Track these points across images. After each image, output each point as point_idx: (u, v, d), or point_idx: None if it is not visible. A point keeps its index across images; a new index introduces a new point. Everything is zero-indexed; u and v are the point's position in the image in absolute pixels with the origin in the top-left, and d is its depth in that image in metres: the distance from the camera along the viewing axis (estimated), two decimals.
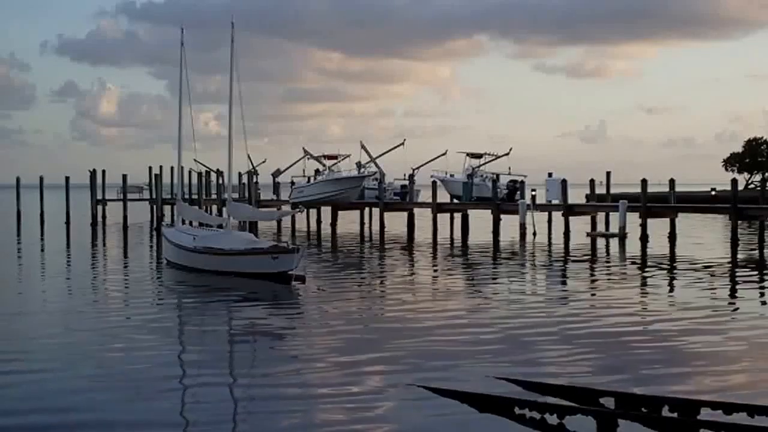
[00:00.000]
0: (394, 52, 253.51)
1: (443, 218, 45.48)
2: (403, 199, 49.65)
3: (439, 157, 55.72)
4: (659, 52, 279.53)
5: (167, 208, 54.41)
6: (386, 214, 46.05)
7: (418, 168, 54.06)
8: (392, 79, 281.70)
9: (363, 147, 54.16)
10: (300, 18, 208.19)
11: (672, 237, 36.54)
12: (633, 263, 28.89)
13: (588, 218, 42.14)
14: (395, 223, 47.57)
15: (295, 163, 57.25)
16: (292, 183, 55.17)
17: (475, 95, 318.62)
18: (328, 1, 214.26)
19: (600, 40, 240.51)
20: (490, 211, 42.48)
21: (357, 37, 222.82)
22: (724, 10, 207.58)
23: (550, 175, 46.18)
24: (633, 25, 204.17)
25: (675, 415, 7.92)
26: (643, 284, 23.55)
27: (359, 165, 53.30)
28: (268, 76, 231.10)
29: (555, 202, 43.00)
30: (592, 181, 47.53)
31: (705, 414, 7.90)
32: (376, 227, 46.19)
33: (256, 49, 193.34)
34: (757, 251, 32.48)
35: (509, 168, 53.89)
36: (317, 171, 55.14)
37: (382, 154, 55.24)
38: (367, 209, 49.10)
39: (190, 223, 34.12)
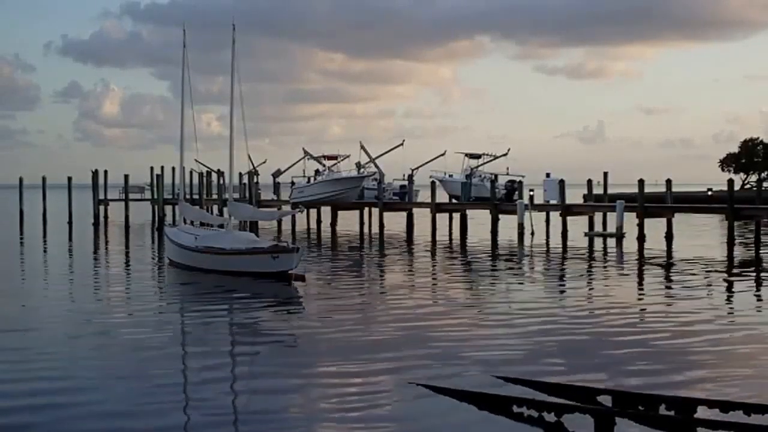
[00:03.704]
0: (396, 53, 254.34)
1: (442, 218, 45.66)
2: (402, 199, 49.82)
3: (437, 157, 55.98)
4: (659, 53, 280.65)
5: (168, 208, 54.56)
6: (385, 214, 46.21)
7: (417, 168, 54.32)
8: (394, 80, 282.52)
9: (362, 147, 54.41)
10: (302, 19, 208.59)
11: (669, 237, 36.73)
12: (630, 263, 29.06)
13: (585, 218, 42.33)
14: (394, 223, 47.71)
15: (295, 163, 57.42)
16: (292, 183, 55.26)
17: (475, 96, 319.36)
18: (330, 2, 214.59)
19: (601, 41, 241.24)
20: (488, 211, 42.66)
21: (359, 38, 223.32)
22: (724, 12, 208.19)
23: (548, 175, 46.34)
24: (634, 26, 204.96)
25: (672, 413, 8.05)
26: (640, 284, 23.76)
27: (359, 165, 53.47)
28: (271, 76, 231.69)
29: (553, 202, 43.18)
30: (589, 182, 47.75)
31: (701, 412, 8.03)
32: (375, 227, 46.31)
33: (259, 50, 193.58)
34: (753, 251, 32.67)
35: (507, 168, 54.20)
36: (317, 171, 55.23)
37: (382, 154, 55.49)
38: (366, 209, 49.21)
39: (192, 223, 34.24)
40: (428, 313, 17.86)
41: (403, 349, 13.70)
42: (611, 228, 40.00)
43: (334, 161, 55.26)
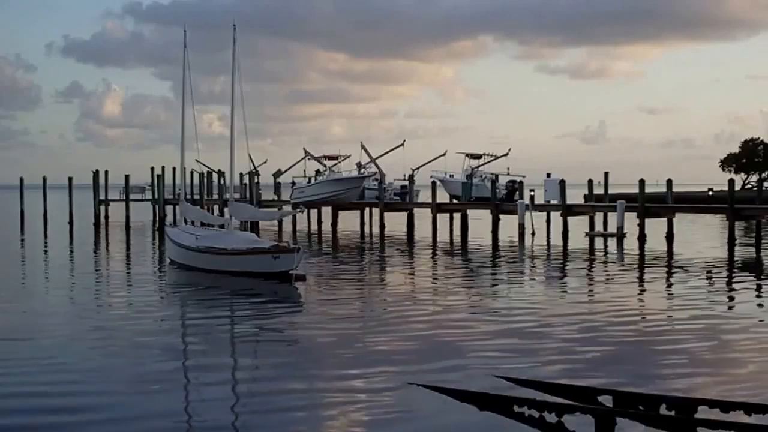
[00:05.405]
0: (398, 53, 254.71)
1: (443, 218, 45.68)
2: (403, 199, 49.85)
3: (438, 157, 56.05)
4: (661, 53, 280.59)
5: (169, 209, 54.59)
6: (386, 214, 46.24)
7: (417, 168, 54.38)
8: (396, 80, 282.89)
9: (363, 148, 54.42)
10: (305, 19, 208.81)
11: (669, 237, 36.71)
12: (631, 263, 29.06)
13: (586, 218, 42.33)
14: (395, 223, 47.71)
15: (296, 163, 57.47)
16: (293, 183, 55.29)
17: (477, 96, 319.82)
18: (332, 2, 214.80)
19: (603, 41, 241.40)
20: (489, 211, 42.69)
21: (361, 38, 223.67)
22: (726, 12, 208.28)
23: (548, 175, 46.36)
24: (636, 26, 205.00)
25: (673, 413, 8.04)
26: (641, 284, 23.76)
27: (359, 165, 53.49)
28: (273, 76, 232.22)
29: (553, 202, 43.19)
30: (590, 182, 47.74)
31: (702, 412, 8.02)
32: (376, 227, 46.34)
33: (261, 50, 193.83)
34: (753, 250, 32.66)
35: (508, 168, 54.27)
36: (318, 171, 55.27)
37: (382, 154, 55.48)
38: (367, 209, 49.24)
39: (193, 223, 34.28)
40: (429, 313, 17.86)
41: (403, 349, 13.72)
42: (612, 228, 39.99)
43: (334, 161, 55.28)
